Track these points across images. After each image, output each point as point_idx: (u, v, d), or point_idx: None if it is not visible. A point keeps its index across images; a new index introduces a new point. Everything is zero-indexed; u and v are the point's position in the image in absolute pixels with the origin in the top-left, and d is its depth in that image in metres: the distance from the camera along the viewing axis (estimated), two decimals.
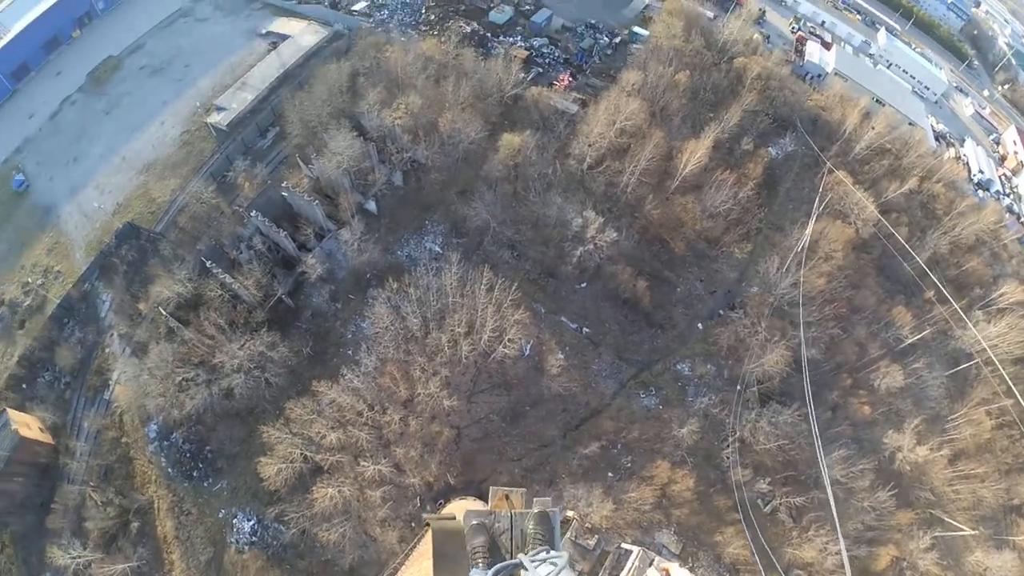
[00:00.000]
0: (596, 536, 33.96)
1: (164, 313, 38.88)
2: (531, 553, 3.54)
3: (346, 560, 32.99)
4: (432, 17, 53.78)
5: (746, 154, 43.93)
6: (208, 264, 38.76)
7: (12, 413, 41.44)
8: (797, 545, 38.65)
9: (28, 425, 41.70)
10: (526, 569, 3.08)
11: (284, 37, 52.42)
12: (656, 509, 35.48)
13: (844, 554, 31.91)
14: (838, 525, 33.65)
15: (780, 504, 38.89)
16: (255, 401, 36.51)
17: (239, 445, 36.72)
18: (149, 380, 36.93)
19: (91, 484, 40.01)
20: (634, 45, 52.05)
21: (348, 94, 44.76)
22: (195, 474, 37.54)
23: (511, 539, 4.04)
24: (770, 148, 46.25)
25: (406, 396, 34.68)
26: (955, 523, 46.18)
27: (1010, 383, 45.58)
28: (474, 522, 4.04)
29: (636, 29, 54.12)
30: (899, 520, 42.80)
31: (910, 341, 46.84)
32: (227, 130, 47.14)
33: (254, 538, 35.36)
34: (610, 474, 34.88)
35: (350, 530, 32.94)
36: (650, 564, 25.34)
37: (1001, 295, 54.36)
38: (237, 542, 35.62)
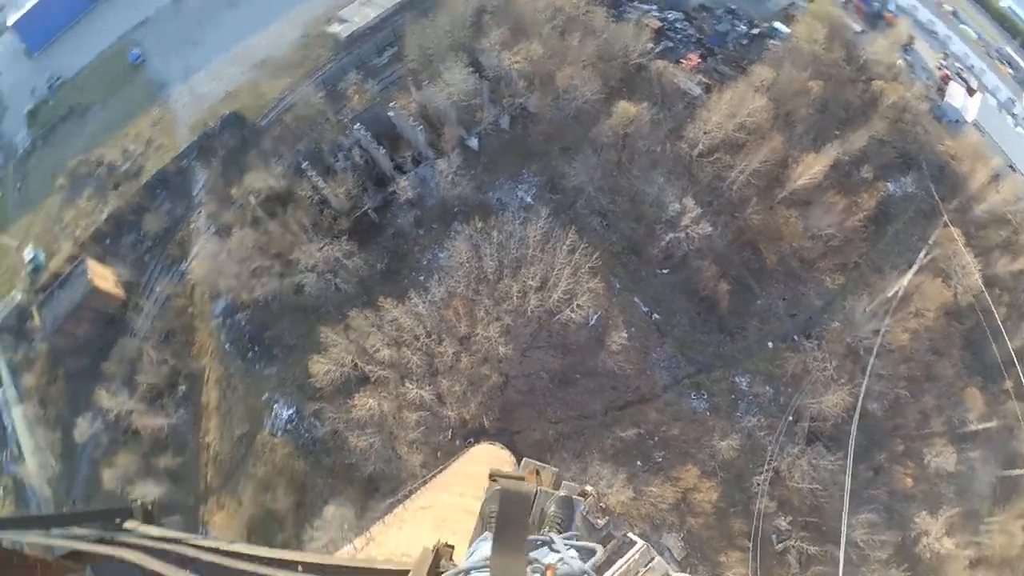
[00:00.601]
0: (607, 518, 33.99)
1: (254, 202, 40.37)
2: (564, 536, 3.42)
3: (367, 469, 34.10)
4: None
5: (863, 183, 41.49)
6: (304, 165, 39.87)
7: (92, 263, 44.25)
8: None
9: (104, 277, 44.54)
10: (554, 550, 2.92)
11: None
12: (673, 511, 35.23)
13: None
14: None
15: (793, 546, 38.12)
16: (321, 302, 37.68)
17: (297, 339, 38.06)
18: (226, 260, 38.60)
19: (151, 342, 42.54)
20: (772, 40, 49.17)
21: (471, 29, 44.10)
22: (250, 355, 39.31)
23: (529, 514, 3.93)
24: (889, 183, 43.53)
25: (464, 333, 34.98)
26: None
27: None
28: (498, 487, 3.84)
29: (777, 25, 51.03)
30: None
31: (974, 428, 44.50)
32: (345, 42, 47.63)
33: (289, 426, 36.91)
34: (639, 463, 34.65)
35: (379, 443, 33.93)
36: (648, 562, 25.39)
37: None
38: (272, 426, 37.25)
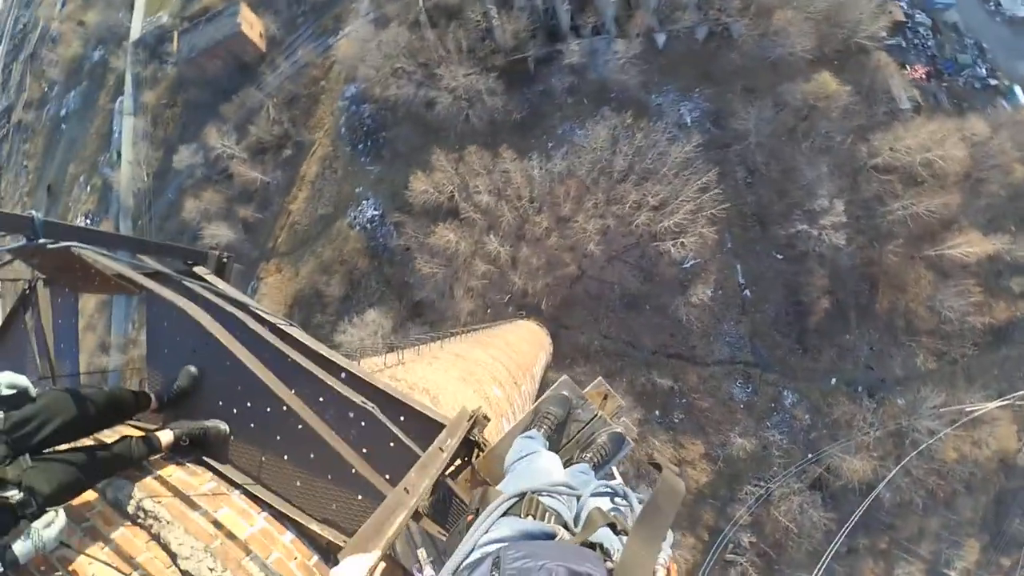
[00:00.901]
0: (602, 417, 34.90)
1: (422, 3, 38.78)
2: (600, 478, 3.15)
3: (420, 294, 34.85)
4: None
5: (1008, 292, 38.17)
6: None
7: (245, 9, 44.00)
8: None
9: (253, 24, 44.52)
10: (615, 501, 2.49)
11: None
12: (655, 470, 35.73)
13: None
14: None
15: (742, 564, 38.78)
16: (447, 125, 37.18)
17: (410, 149, 37.92)
18: (374, 50, 38.02)
19: (274, 100, 42.70)
20: (1003, 101, 44.09)
21: None
22: (360, 146, 39.46)
23: (579, 433, 3.90)
24: None
25: (566, 214, 34.30)
26: None
27: None
28: (564, 392, 3.89)
29: (1017, 89, 45.52)
30: None
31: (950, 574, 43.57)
32: None
33: (369, 225, 37.61)
34: (657, 412, 34.70)
35: (441, 275, 34.34)
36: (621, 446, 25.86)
37: None
38: (354, 219, 37.89)
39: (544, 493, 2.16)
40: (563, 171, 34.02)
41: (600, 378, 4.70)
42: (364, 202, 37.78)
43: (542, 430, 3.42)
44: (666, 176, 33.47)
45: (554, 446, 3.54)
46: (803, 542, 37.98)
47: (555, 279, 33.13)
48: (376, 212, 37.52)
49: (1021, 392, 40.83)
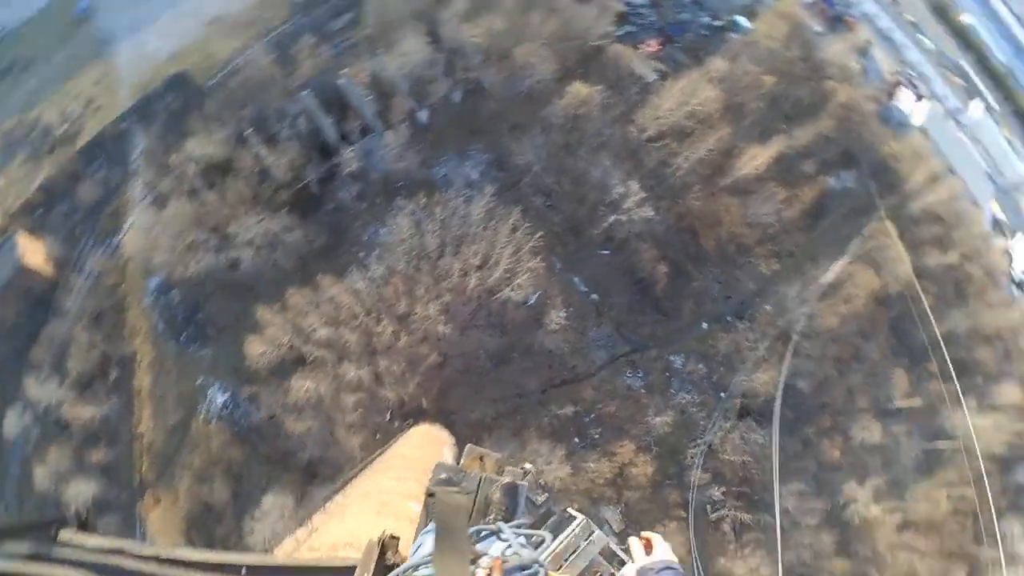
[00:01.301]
0: (546, 494, 35.30)
1: (193, 170, 39.15)
2: (512, 524, 3.47)
3: (306, 455, 34.15)
4: None
5: (805, 177, 43.27)
6: (248, 132, 38.94)
7: (22, 238, 41.95)
8: (731, 558, 40.25)
9: (35, 252, 42.26)
10: (501, 539, 2.96)
11: None
12: (610, 485, 36.70)
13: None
14: (780, 552, 35.06)
15: (727, 515, 40.30)
16: (258, 279, 37.04)
17: (232, 318, 37.35)
18: (161, 234, 37.24)
19: (81, 324, 40.81)
20: (732, 34, 50.44)
21: None
22: (183, 336, 38.37)
23: (474, 503, 4.04)
24: (830, 178, 45.56)
25: (404, 311, 35.23)
26: None
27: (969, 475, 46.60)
28: (442, 475, 4.07)
29: (739, 18, 52.28)
30: (835, 566, 44.27)
31: (899, 406, 47.53)
32: (303, 3, 46.48)
33: (224, 412, 36.45)
34: (576, 440, 35.85)
35: (317, 427, 34.05)
36: (589, 535, 26.61)
37: (1000, 392, 54.79)
38: (208, 412, 36.75)
39: (410, 569, 2.48)
40: (384, 273, 35.20)
41: (469, 444, 4.97)
42: (210, 391, 36.86)
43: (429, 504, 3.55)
44: (477, 234, 35.51)
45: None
46: (763, 463, 40.11)
47: (423, 375, 33.89)
48: (226, 395, 36.74)
49: (854, 241, 45.81)
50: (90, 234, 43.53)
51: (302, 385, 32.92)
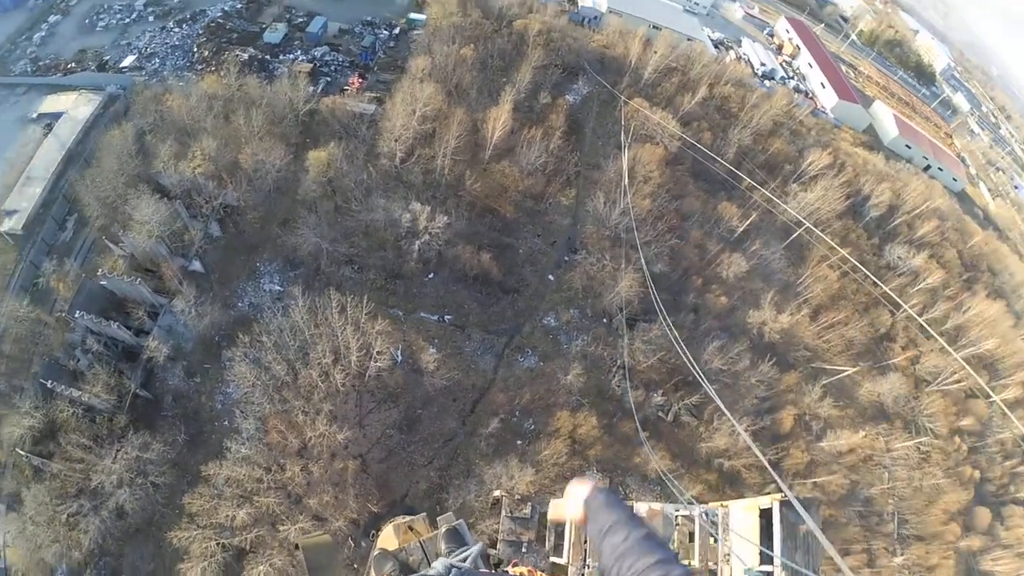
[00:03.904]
0: (529, 504, 37.97)
1: (23, 453, 36.59)
2: (452, 555, 4.08)
3: None
4: (205, 53, 53.93)
5: (546, 107, 50.08)
6: (50, 385, 36.97)
7: None
8: (708, 439, 45.82)
9: None
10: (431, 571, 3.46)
11: (58, 115, 50.04)
12: (572, 456, 40.14)
13: (735, 423, 38.81)
14: (722, 405, 40.47)
15: (679, 409, 45.86)
16: (150, 510, 35.58)
17: (152, 561, 35.57)
18: (36, 530, 34.55)
19: None
20: (415, 32, 56.28)
21: (139, 157, 43.96)
22: None
23: (428, 565, 4.43)
24: (567, 96, 53.00)
25: (298, 445, 35.81)
26: (836, 367, 56.80)
27: (831, 243, 56.47)
28: (387, 565, 4.45)
29: (413, 15, 58.40)
30: (787, 383, 51.94)
31: (742, 229, 56.63)
32: (23, 233, 44.24)
33: None
34: (519, 442, 38.85)
35: None
36: None
37: (810, 164, 67.07)
38: None
39: None
40: (257, 425, 35.51)
41: (390, 526, 5.47)
42: None
43: None
44: (314, 335, 36.98)
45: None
46: (674, 350, 45.99)
47: (353, 486, 34.73)
48: None
49: (621, 131, 54.03)
50: None
51: (258, 573, 32.51)
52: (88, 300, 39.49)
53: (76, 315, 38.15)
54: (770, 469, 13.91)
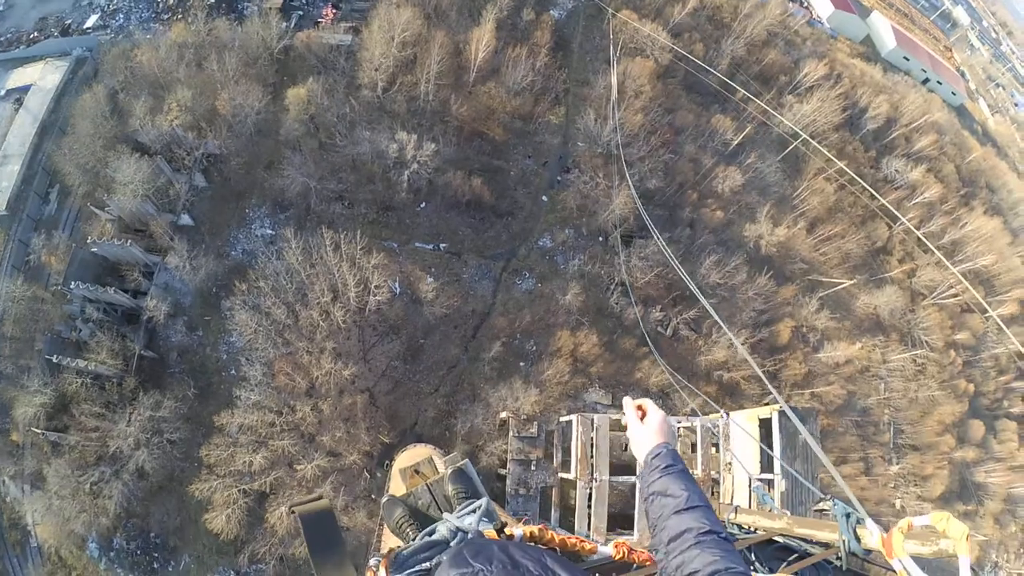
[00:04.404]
0: (535, 423, 38.61)
1: (39, 431, 37.23)
2: (456, 511, 3.94)
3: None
4: (170, 1, 50.90)
5: (530, 24, 47.22)
6: (55, 359, 37.31)
7: None
8: (707, 352, 46.00)
9: None
10: (442, 529, 3.38)
11: (26, 88, 47.69)
12: (575, 375, 40.51)
13: (732, 336, 38.72)
14: (718, 318, 40.30)
15: (678, 323, 45.78)
16: (169, 466, 36.54)
17: (178, 515, 36.87)
18: (62, 504, 35.71)
19: None
20: None
21: (114, 117, 42.10)
22: (156, 566, 37.75)
23: (438, 507, 4.41)
24: (551, 11, 49.92)
25: (306, 385, 36.12)
26: (833, 280, 56.34)
27: (829, 155, 54.59)
28: (397, 509, 4.32)
29: None
30: (784, 296, 51.69)
31: (737, 142, 54.64)
32: (8, 213, 43.21)
33: None
34: (521, 364, 39.07)
35: None
36: (594, 426, 29.88)
37: (805, 75, 63.97)
38: None
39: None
40: (264, 371, 35.67)
41: (398, 469, 5.58)
42: None
43: (408, 534, 4.02)
44: (310, 275, 36.54)
45: (429, 523, 3.89)
46: (671, 265, 45.50)
47: (364, 419, 35.26)
48: None
49: (609, 46, 51.17)
50: (9, 559, 40.71)
51: (280, 514, 33.57)
52: (82, 269, 39.28)
53: (71, 286, 38.03)
54: (765, 380, 13.56)
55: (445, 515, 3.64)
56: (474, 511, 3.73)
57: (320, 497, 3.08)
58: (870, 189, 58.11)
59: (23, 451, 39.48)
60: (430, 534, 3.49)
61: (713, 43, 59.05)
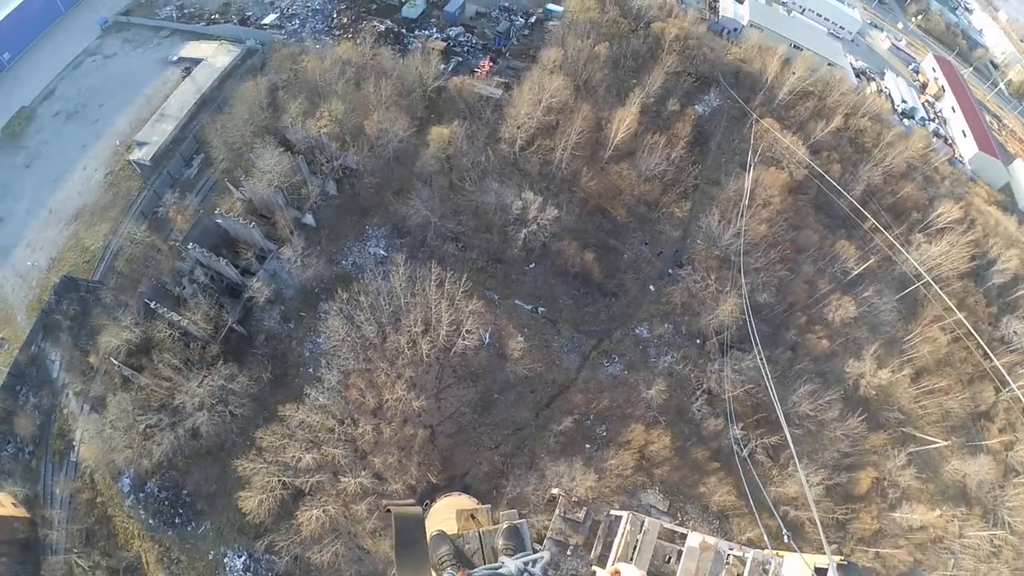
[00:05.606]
0: (584, 508, 35.71)
1: (116, 363, 38.57)
2: (515, 557, 3.64)
3: None
4: (344, 20, 54.53)
5: (674, 115, 46.30)
6: (153, 305, 38.70)
7: None
8: (779, 483, 41.37)
9: (2, 502, 40.88)
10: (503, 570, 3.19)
11: (197, 61, 52.27)
12: (638, 472, 37.38)
13: (802, 477, 34.35)
14: (795, 454, 36.05)
15: (756, 446, 41.54)
16: (223, 436, 36.61)
17: (215, 483, 36.82)
18: (113, 434, 36.53)
19: (75, 551, 39.35)
20: (550, 23, 53.88)
21: (269, 110, 44.94)
22: (177, 520, 37.55)
23: (483, 557, 4.27)
24: (696, 106, 48.80)
25: (374, 404, 35.48)
26: (927, 437, 49.89)
27: (950, 303, 49.26)
28: (443, 548, 4.21)
29: (550, 6, 56.02)
30: (873, 443, 46.04)
31: (857, 272, 50.29)
32: (151, 165, 46.72)
33: (248, 574, 35.81)
34: (588, 445, 36.51)
35: (342, 547, 33.60)
36: (642, 526, 27.14)
37: (939, 216, 58.81)
38: None
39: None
40: (339, 378, 35.44)
41: (454, 511, 5.21)
42: (225, 560, 36.12)
43: (447, 569, 3.84)
44: (408, 303, 36.30)
45: (470, 567, 3.57)
46: (764, 384, 41.62)
47: (418, 454, 34.05)
48: (242, 558, 35.93)
49: (748, 150, 49.02)
50: (46, 462, 42.40)
51: (310, 516, 32.56)
52: (202, 235, 40.90)
53: (189, 246, 39.58)
54: (819, 528, 11.26)
55: (504, 558, 3.41)
56: (538, 562, 3.43)
57: (414, 503, 3.34)
58: (985, 347, 51.85)
59: (95, 375, 40.93)
60: (496, 568, 3.27)
61: (851, 166, 55.62)
